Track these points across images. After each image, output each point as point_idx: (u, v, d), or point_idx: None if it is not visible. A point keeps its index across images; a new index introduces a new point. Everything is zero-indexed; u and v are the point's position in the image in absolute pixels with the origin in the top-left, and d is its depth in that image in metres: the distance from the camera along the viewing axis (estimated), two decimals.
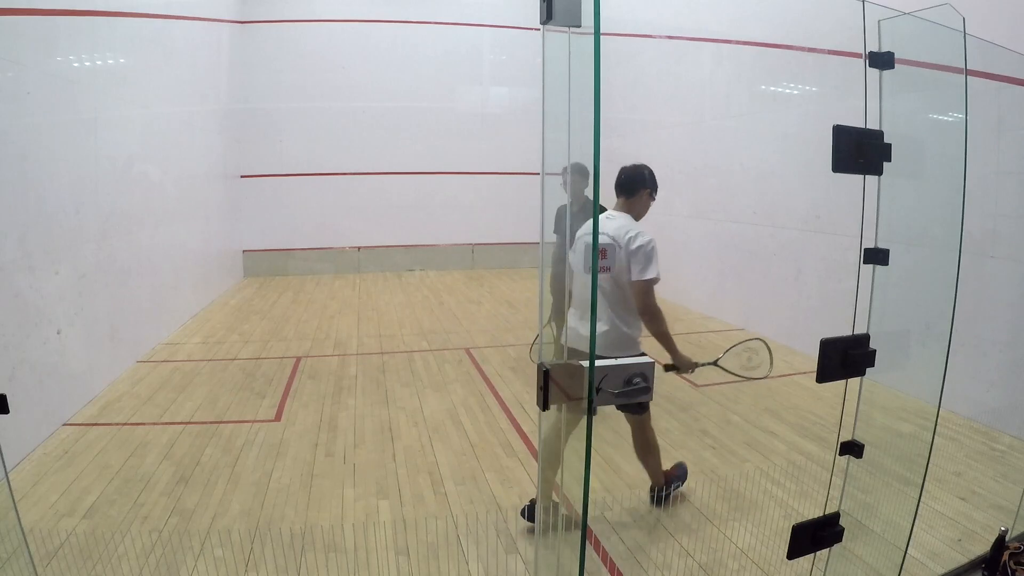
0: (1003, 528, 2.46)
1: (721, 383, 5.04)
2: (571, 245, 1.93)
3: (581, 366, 1.43)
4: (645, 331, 2.89)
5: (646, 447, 3.07)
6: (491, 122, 10.88)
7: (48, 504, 3.06)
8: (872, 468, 2.11)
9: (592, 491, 1.48)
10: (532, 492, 3.21)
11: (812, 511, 2.51)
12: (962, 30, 2.02)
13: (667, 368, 2.86)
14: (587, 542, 2.08)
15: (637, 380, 1.48)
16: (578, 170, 2.53)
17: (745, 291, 6.90)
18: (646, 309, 2.79)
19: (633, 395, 1.48)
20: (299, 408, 4.46)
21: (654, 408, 4.33)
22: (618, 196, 3.00)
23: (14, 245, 3.63)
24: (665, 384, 4.99)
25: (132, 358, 5.45)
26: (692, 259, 7.78)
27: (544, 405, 1.49)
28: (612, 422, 4.10)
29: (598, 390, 1.44)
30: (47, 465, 3.47)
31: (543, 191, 1.48)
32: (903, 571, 2.24)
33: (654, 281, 2.79)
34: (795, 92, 6.32)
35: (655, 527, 2.92)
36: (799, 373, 5.24)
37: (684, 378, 5.12)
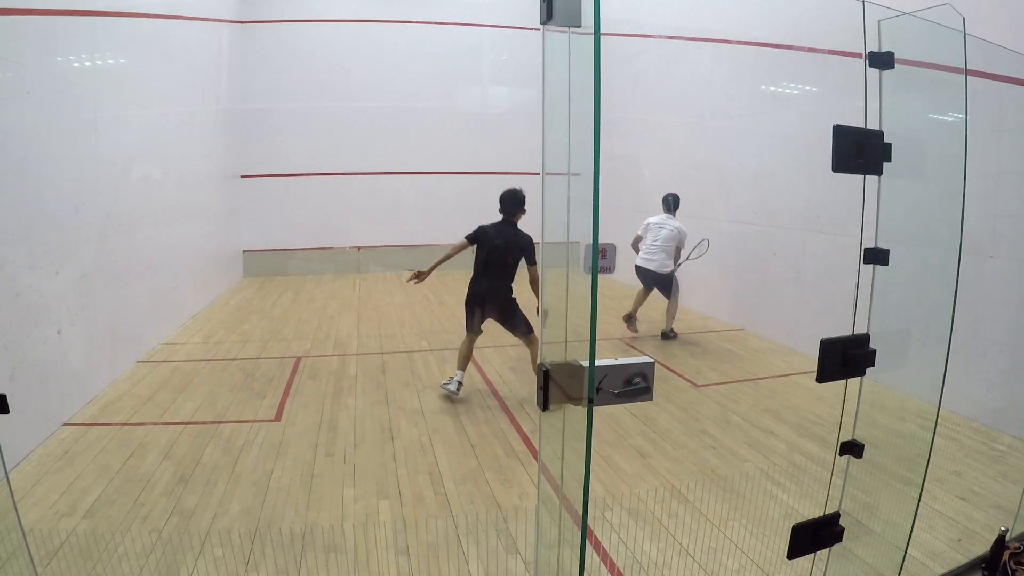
0: (1003, 528, 2.46)
1: (721, 383, 5.05)
2: None
3: (581, 366, 1.43)
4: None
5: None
6: (491, 122, 10.87)
7: (48, 504, 3.06)
8: (872, 468, 2.11)
9: (592, 491, 1.48)
10: (532, 492, 3.22)
11: (812, 511, 2.51)
12: (962, 30, 2.02)
13: None
14: (587, 542, 2.08)
15: (637, 380, 1.48)
16: None
17: (745, 291, 6.90)
18: None
19: (633, 395, 1.48)
20: (299, 408, 4.46)
21: (653, 408, 4.35)
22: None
23: (14, 244, 3.63)
24: (665, 384, 4.99)
25: (132, 358, 5.45)
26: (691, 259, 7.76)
27: (544, 405, 1.49)
28: (613, 422, 4.10)
29: (598, 390, 1.44)
30: (47, 465, 3.47)
31: (543, 191, 1.48)
32: (903, 571, 2.24)
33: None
34: (795, 92, 6.32)
35: (655, 527, 2.92)
36: (799, 373, 5.24)
37: (684, 378, 5.15)
